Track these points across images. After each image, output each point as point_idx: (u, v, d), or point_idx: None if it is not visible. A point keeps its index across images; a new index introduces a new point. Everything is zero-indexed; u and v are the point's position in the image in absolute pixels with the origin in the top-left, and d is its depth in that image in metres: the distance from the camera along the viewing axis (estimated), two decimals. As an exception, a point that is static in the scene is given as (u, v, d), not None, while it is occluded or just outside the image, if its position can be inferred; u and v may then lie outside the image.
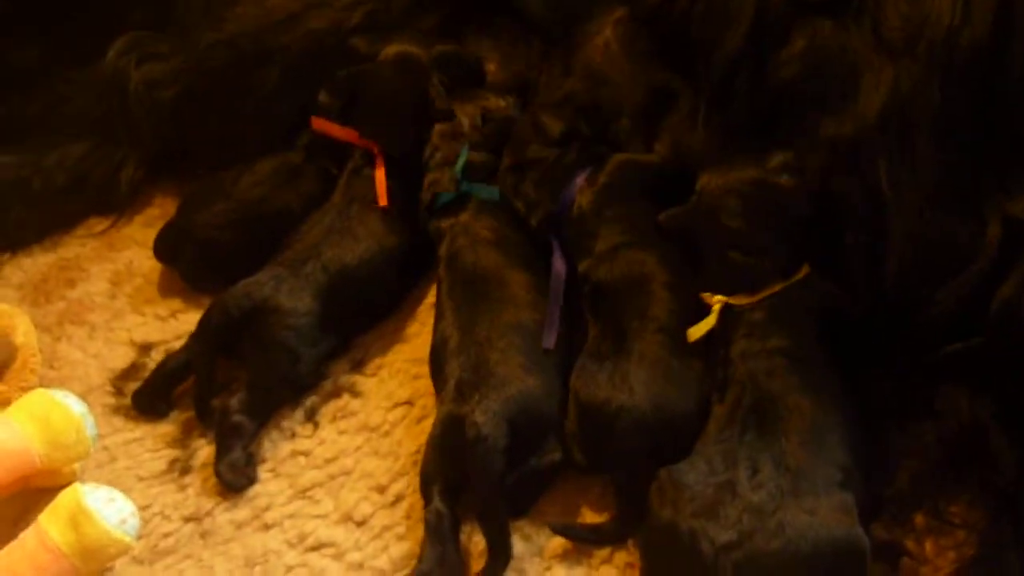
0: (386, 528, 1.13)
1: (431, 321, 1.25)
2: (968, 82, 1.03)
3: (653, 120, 1.25)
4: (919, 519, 1.02)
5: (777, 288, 1.10)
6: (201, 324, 1.24)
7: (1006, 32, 1.02)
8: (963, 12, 1.02)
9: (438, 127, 1.32)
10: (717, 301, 1.11)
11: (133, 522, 1.07)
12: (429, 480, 1.09)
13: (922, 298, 1.02)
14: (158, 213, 1.46)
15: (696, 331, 1.10)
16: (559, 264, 1.21)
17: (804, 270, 1.11)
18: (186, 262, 1.37)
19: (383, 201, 1.29)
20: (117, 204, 1.47)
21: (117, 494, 1.08)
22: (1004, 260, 1.00)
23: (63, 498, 1.04)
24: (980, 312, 1.00)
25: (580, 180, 1.23)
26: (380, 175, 1.31)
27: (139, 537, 1.10)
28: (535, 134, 1.26)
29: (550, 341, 1.15)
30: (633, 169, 1.23)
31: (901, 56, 1.05)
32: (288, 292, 1.23)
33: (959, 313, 1.01)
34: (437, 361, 1.18)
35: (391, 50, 1.36)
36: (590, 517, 1.11)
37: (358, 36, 1.36)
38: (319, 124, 1.36)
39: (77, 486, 1.05)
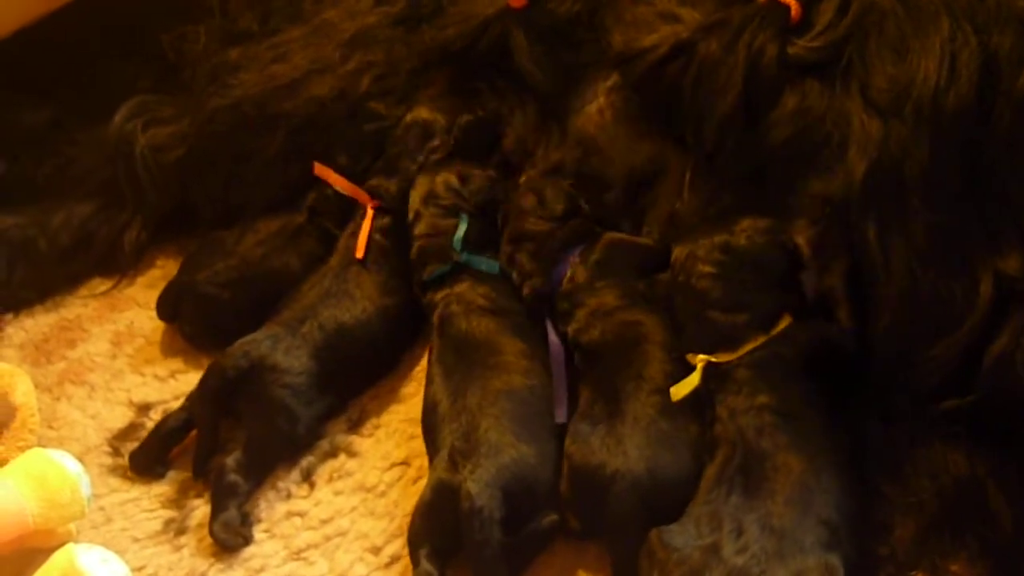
0: (381, 590, 1.11)
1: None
2: (955, 142, 1.04)
3: (642, 192, 1.26)
4: (918, 577, 1.01)
5: (760, 341, 1.10)
6: (201, 384, 1.25)
7: (991, 92, 1.03)
8: (949, 73, 1.05)
9: (414, 194, 1.33)
10: (700, 360, 1.11)
11: None
12: (417, 544, 1.09)
13: (916, 355, 1.02)
14: (160, 274, 1.48)
15: (679, 390, 1.10)
16: (555, 337, 1.21)
17: (785, 321, 1.11)
18: (187, 320, 1.39)
19: (359, 253, 1.31)
20: (120, 265, 1.49)
21: (111, 555, 1.08)
22: (996, 317, 1.00)
23: (57, 558, 1.04)
24: (974, 369, 1.00)
25: (574, 257, 1.25)
26: (365, 227, 1.33)
27: None
28: (537, 207, 1.28)
29: (561, 415, 1.14)
30: (625, 249, 1.25)
31: (889, 116, 1.07)
32: (285, 351, 1.24)
33: (953, 370, 1.01)
34: (428, 426, 1.18)
35: (418, 116, 1.39)
36: (586, 578, 1.10)
37: (375, 100, 1.39)
38: (322, 171, 1.38)
39: (71, 547, 1.05)
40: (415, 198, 1.33)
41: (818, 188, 1.09)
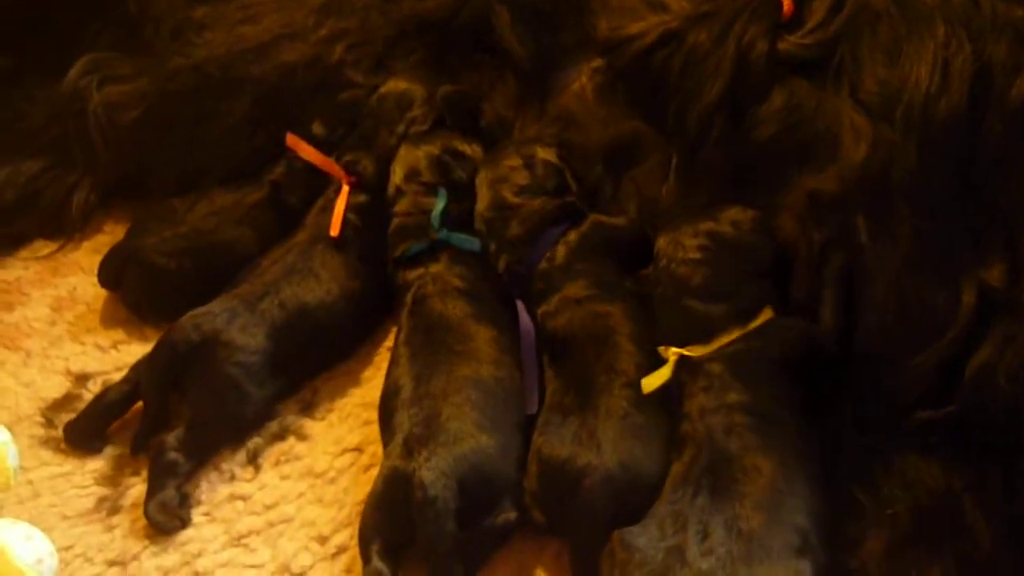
0: (325, 582, 1.06)
1: (386, 365, 1.20)
2: (945, 149, 1.02)
3: (620, 169, 1.23)
4: (888, 593, 0.98)
5: (735, 335, 1.07)
6: (151, 357, 1.18)
7: (984, 101, 1.01)
8: (941, 80, 1.03)
9: (396, 167, 1.28)
10: (673, 353, 1.08)
11: (51, 563, 1.02)
12: (368, 538, 1.03)
13: (896, 363, 1.00)
14: (108, 240, 1.41)
15: (650, 382, 1.07)
16: (527, 321, 1.17)
17: (764, 315, 1.08)
18: (130, 288, 1.32)
19: (334, 231, 1.25)
20: (66, 228, 1.41)
21: (36, 532, 1.03)
22: (978, 328, 0.98)
23: (-24, 533, 0.97)
24: (954, 380, 0.98)
25: (557, 234, 1.21)
26: (340, 204, 1.27)
27: None
28: (523, 176, 1.23)
29: (532, 405, 1.11)
30: (605, 231, 1.21)
31: (878, 120, 1.05)
32: (241, 327, 1.18)
33: (932, 380, 0.99)
34: (386, 410, 1.13)
35: (395, 87, 1.33)
36: (543, 580, 1.06)
37: (349, 68, 1.33)
38: (294, 142, 1.33)
39: (-7, 520, 0.98)
40: (397, 173, 1.28)
41: (807, 187, 1.07)
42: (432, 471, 1.01)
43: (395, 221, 1.26)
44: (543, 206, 1.22)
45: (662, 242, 1.13)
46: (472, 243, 1.23)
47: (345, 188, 1.30)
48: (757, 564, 0.91)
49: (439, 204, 1.25)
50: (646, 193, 1.20)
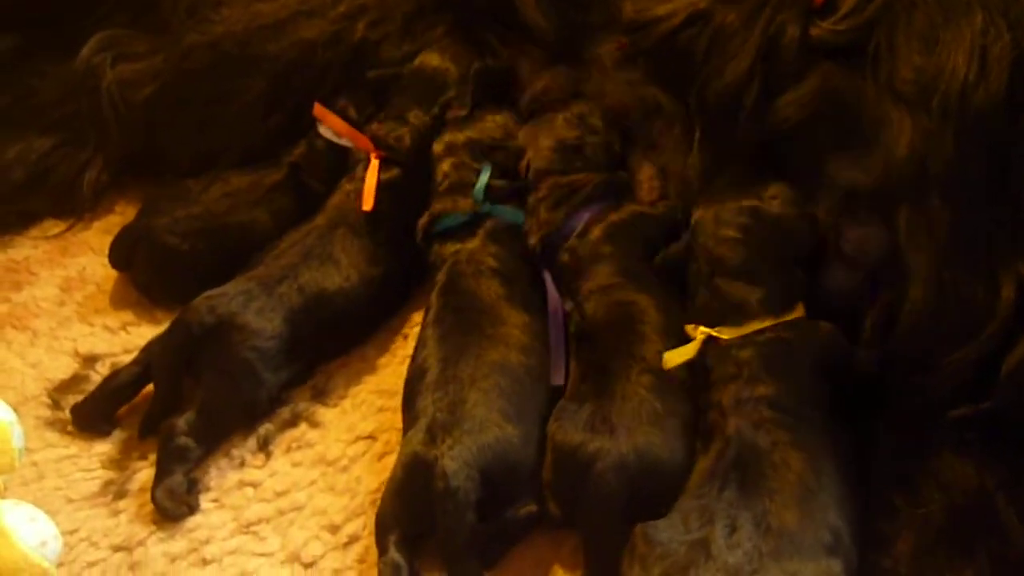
0: (336, 572, 1.03)
1: (402, 351, 1.18)
2: (982, 139, 0.99)
3: (645, 138, 1.20)
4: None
5: (767, 323, 1.03)
6: (164, 338, 1.16)
7: (1022, 91, 0.98)
8: (979, 68, 1.00)
9: (441, 148, 1.25)
10: (701, 332, 1.04)
11: (54, 546, 0.99)
12: (386, 528, 1.00)
13: (933, 359, 0.97)
14: (119, 220, 1.38)
15: (673, 357, 1.03)
16: (555, 295, 1.14)
17: (797, 311, 1.05)
18: (141, 269, 1.29)
19: (367, 205, 1.22)
20: (77, 207, 1.39)
21: (40, 514, 1.00)
22: (1017, 323, 0.95)
23: (-22, 513, 0.95)
24: (989, 377, 0.95)
25: (591, 213, 1.18)
26: (372, 177, 1.23)
27: (60, 564, 1.01)
28: (578, 142, 1.20)
29: (559, 377, 1.08)
30: (642, 220, 1.18)
31: (914, 109, 1.01)
32: (257, 311, 1.15)
33: (969, 377, 0.96)
34: (410, 392, 1.09)
35: (427, 61, 1.30)
36: (562, 574, 1.02)
37: (373, 47, 1.30)
38: (321, 113, 1.29)
39: (-4, 501, 0.96)
40: (438, 148, 1.25)
41: (841, 179, 1.04)
42: (455, 460, 0.98)
43: (435, 195, 1.23)
44: (589, 181, 1.18)
45: (701, 214, 1.09)
46: (517, 216, 1.20)
47: (375, 161, 1.25)
48: (787, 560, 0.88)
49: (483, 177, 1.21)
50: (670, 167, 1.17)
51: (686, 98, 1.15)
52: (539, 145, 1.23)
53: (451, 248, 1.19)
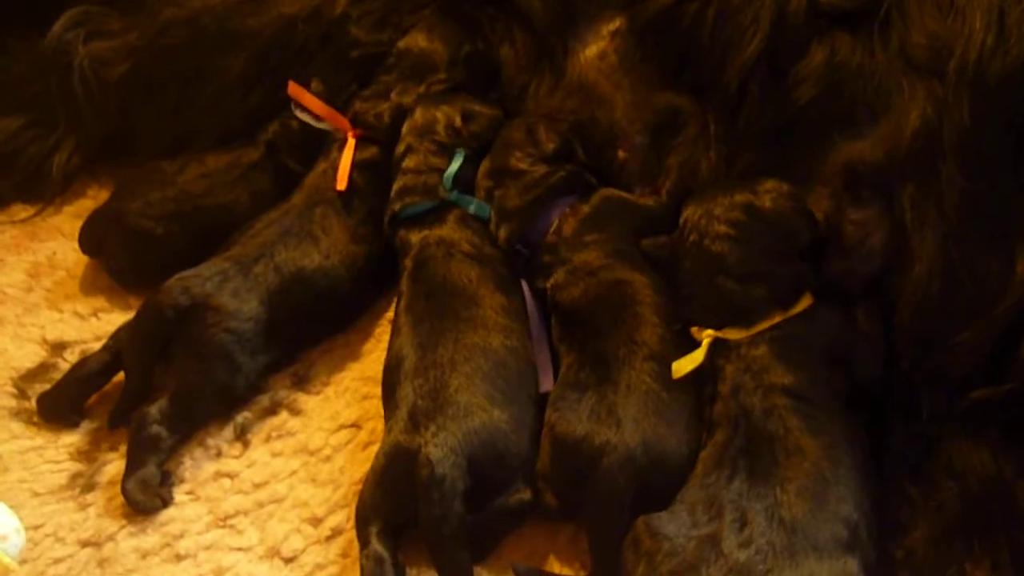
0: (318, 567, 0.99)
1: (386, 337, 1.13)
2: (998, 108, 0.96)
3: (660, 147, 1.15)
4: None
5: (776, 319, 0.99)
6: (135, 322, 1.11)
7: (1042, 57, 0.95)
8: (997, 34, 0.96)
9: (409, 125, 1.21)
10: (707, 336, 1.00)
11: (16, 540, 0.95)
12: (366, 519, 0.97)
13: (945, 340, 0.93)
14: (90, 204, 1.33)
15: (681, 366, 0.99)
16: (531, 299, 1.11)
17: (806, 301, 1.00)
18: (113, 254, 1.24)
19: (341, 185, 1.18)
20: (46, 191, 1.33)
21: (4, 508, 0.97)
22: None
23: (-63, 507, 0.90)
24: (1007, 357, 0.91)
25: (564, 207, 1.14)
26: (348, 157, 1.19)
27: (24, 561, 0.97)
28: (526, 143, 1.17)
29: (547, 383, 1.04)
30: (621, 207, 1.14)
31: (928, 76, 0.98)
32: (232, 292, 1.11)
33: (984, 357, 0.92)
34: (389, 383, 1.05)
35: (414, 43, 1.26)
36: (558, 567, 0.98)
37: (353, 23, 1.26)
38: (297, 92, 1.25)
39: (-44, 494, 0.91)
40: (409, 129, 1.20)
41: (847, 153, 1.00)
42: (440, 447, 0.94)
43: (401, 178, 1.19)
44: (547, 175, 1.14)
45: (690, 212, 1.05)
46: (482, 208, 1.16)
47: (351, 140, 1.22)
48: (803, 558, 0.84)
49: (455, 164, 1.17)
50: (687, 168, 1.12)
51: (696, 85, 1.10)
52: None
53: (419, 234, 1.14)
